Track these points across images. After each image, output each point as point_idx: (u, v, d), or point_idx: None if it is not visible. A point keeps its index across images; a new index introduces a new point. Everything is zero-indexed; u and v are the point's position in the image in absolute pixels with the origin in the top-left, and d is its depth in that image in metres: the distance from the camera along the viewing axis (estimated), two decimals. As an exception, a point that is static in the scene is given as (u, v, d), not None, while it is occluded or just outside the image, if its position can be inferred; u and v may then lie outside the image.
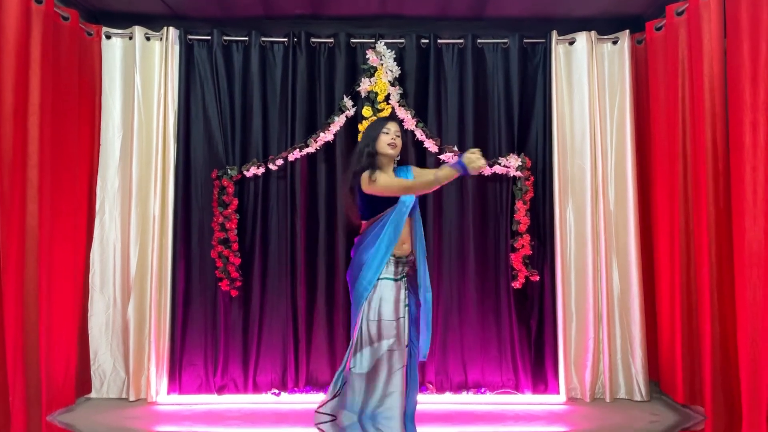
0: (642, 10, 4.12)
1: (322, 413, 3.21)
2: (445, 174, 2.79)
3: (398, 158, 3.23)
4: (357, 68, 4.09)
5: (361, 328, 3.12)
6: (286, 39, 4.08)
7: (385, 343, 3.08)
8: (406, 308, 3.15)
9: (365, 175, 3.07)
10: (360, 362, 3.10)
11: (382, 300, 3.10)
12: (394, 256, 3.14)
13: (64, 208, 3.72)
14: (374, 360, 3.08)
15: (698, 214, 3.52)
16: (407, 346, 3.13)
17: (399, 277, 3.17)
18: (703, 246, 3.46)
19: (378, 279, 3.11)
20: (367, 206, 3.16)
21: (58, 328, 3.67)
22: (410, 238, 3.21)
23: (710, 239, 3.42)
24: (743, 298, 3.16)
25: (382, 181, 3.05)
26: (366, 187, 3.07)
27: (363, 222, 3.25)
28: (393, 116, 3.42)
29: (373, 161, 3.12)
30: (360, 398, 3.08)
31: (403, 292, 3.16)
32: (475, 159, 2.69)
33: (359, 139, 3.32)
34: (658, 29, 3.91)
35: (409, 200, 3.16)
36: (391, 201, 3.14)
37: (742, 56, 3.17)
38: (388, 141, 3.15)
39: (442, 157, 4.02)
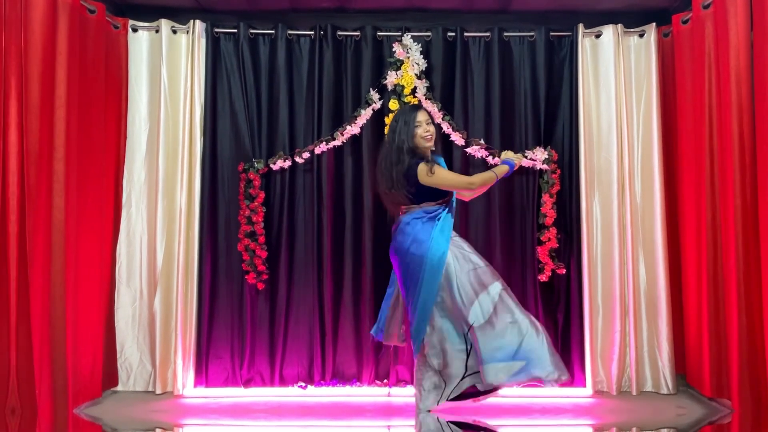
0: (668, 3, 4.13)
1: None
2: (501, 170, 3.20)
3: (433, 148, 3.24)
4: (383, 61, 4.09)
5: (459, 286, 3.09)
6: (312, 32, 4.07)
7: (496, 285, 3.12)
8: None
9: (422, 167, 3.10)
10: (476, 314, 3.06)
11: (470, 253, 3.18)
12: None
13: (90, 201, 3.72)
14: (493, 304, 3.08)
15: (725, 206, 3.52)
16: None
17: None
18: (730, 239, 3.46)
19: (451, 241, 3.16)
20: (426, 193, 3.17)
21: (85, 321, 3.67)
22: None
23: (737, 232, 3.42)
24: (770, 290, 3.16)
25: (444, 175, 3.16)
26: (425, 179, 3.08)
27: (413, 205, 3.25)
28: (418, 106, 3.41)
29: (413, 156, 3.14)
30: (498, 342, 3.06)
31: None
32: (513, 155, 3.30)
33: (386, 133, 3.31)
34: (685, 22, 3.91)
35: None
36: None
37: (768, 49, 3.17)
38: (423, 134, 3.18)
39: (468, 150, 4.03)
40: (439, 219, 3.16)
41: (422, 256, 3.10)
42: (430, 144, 3.21)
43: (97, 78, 3.78)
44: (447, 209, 3.22)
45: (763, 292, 3.23)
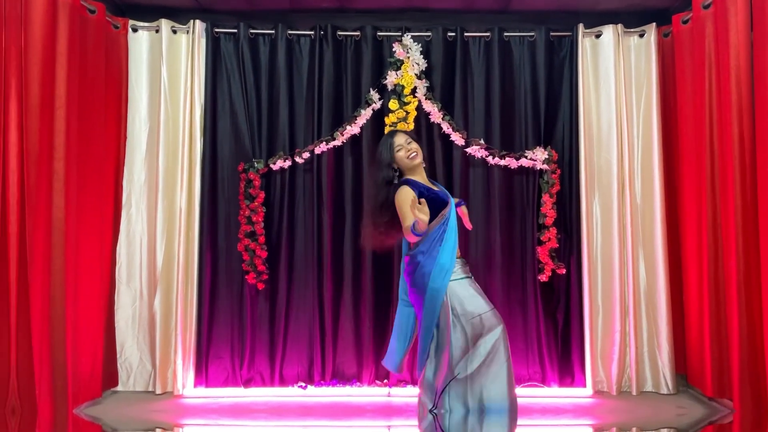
0: (669, 3, 4.13)
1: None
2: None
3: (425, 165, 3.29)
4: (383, 61, 4.08)
5: (454, 333, 3.03)
6: (312, 32, 4.07)
7: (493, 335, 3.05)
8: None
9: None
10: (465, 366, 3.02)
11: (470, 296, 3.08)
12: (458, 258, 3.15)
13: (90, 201, 3.72)
14: (485, 356, 3.02)
15: (725, 206, 3.52)
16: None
17: (470, 275, 3.18)
18: (731, 239, 3.46)
19: (451, 281, 3.06)
20: None
21: (85, 322, 3.67)
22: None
23: (737, 232, 3.42)
24: (770, 291, 3.16)
25: (400, 199, 3.07)
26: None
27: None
28: (393, 131, 3.38)
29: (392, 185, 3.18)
30: (466, 397, 3.02)
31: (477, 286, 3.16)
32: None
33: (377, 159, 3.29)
34: (685, 22, 3.91)
35: (451, 201, 3.18)
36: (440, 206, 3.13)
37: (768, 49, 3.17)
38: (406, 155, 3.18)
39: (468, 150, 4.02)
40: (444, 241, 3.08)
41: (425, 283, 3.06)
42: (419, 160, 3.21)
43: (97, 78, 3.78)
44: (445, 226, 3.11)
45: (763, 292, 3.23)
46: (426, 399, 3.18)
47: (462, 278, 3.11)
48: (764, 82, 3.19)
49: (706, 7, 3.68)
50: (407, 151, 3.18)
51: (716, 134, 3.62)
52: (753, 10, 3.32)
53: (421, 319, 3.12)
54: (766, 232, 3.17)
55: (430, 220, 3.04)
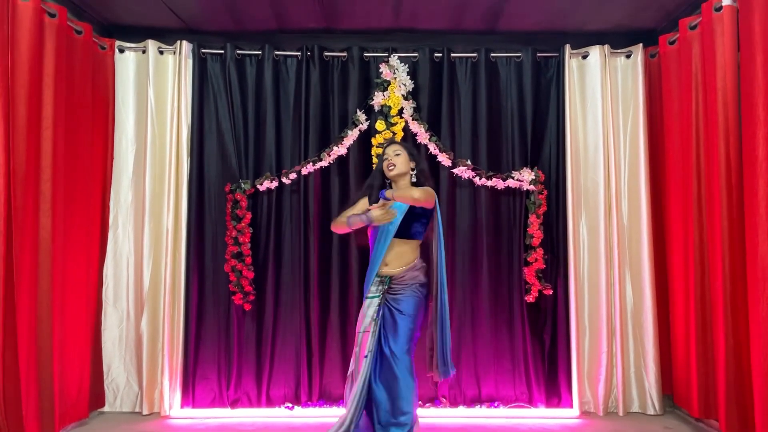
0: (655, 23, 4.13)
1: None
2: (354, 220, 3.29)
3: (413, 178, 3.36)
4: (370, 82, 4.09)
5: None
6: (299, 53, 4.08)
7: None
8: (373, 322, 3.24)
9: None
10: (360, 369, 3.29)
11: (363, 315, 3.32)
12: (378, 275, 3.31)
13: (77, 221, 3.72)
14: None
15: (712, 227, 3.51)
16: (366, 356, 3.23)
17: (375, 294, 3.30)
18: (717, 260, 3.45)
19: (365, 297, 3.33)
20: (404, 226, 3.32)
21: (72, 342, 3.67)
22: (397, 259, 3.27)
23: (724, 253, 3.41)
24: (756, 312, 3.14)
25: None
26: None
27: None
28: (389, 140, 3.64)
29: (371, 191, 3.42)
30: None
31: (373, 309, 3.27)
32: (379, 214, 3.18)
33: (373, 153, 3.62)
34: (672, 43, 3.91)
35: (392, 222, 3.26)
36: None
37: (755, 70, 3.15)
38: (387, 166, 3.32)
39: (455, 171, 4.02)
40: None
41: None
42: (394, 172, 3.29)
43: (83, 99, 3.78)
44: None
45: (749, 313, 3.22)
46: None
47: (369, 297, 3.29)
48: (751, 102, 3.17)
49: (693, 27, 3.68)
50: (387, 163, 3.31)
51: (703, 155, 3.61)
52: (740, 30, 3.31)
53: None
54: (752, 253, 3.16)
55: (422, 233, 3.36)
